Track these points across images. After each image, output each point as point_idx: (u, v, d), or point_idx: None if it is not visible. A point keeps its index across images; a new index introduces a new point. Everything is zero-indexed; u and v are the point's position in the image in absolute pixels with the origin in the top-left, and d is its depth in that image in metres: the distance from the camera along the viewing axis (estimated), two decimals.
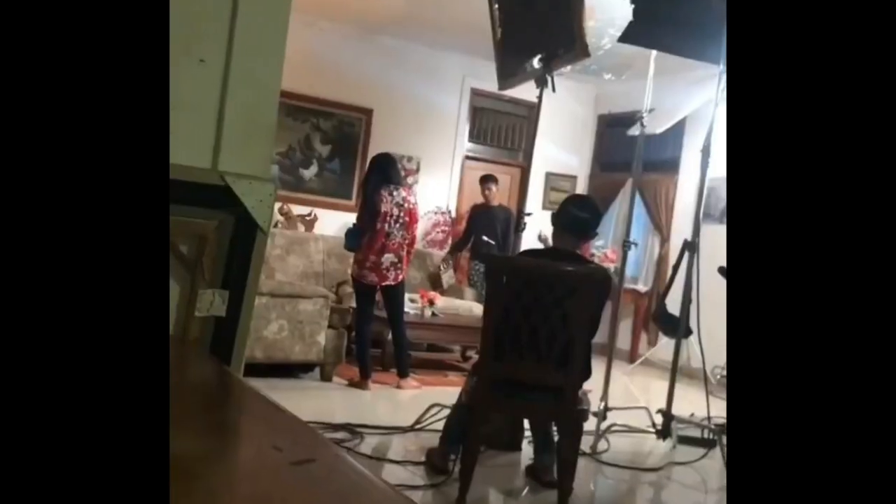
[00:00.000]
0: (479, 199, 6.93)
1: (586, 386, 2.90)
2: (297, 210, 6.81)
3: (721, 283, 4.90)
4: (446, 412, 3.52)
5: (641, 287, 7.42)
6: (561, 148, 7.97)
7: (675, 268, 4.26)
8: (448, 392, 4.23)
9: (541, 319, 2.68)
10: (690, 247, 4.11)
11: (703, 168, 4.08)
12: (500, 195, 6.92)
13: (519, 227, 3.94)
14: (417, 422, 3.93)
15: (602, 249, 7.25)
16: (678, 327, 4.15)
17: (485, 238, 6.37)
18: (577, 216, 3.02)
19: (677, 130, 6.71)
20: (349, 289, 5.64)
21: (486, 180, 6.66)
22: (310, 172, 7.03)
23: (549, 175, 8.04)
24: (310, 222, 6.84)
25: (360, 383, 4.83)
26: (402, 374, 4.96)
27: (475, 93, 7.60)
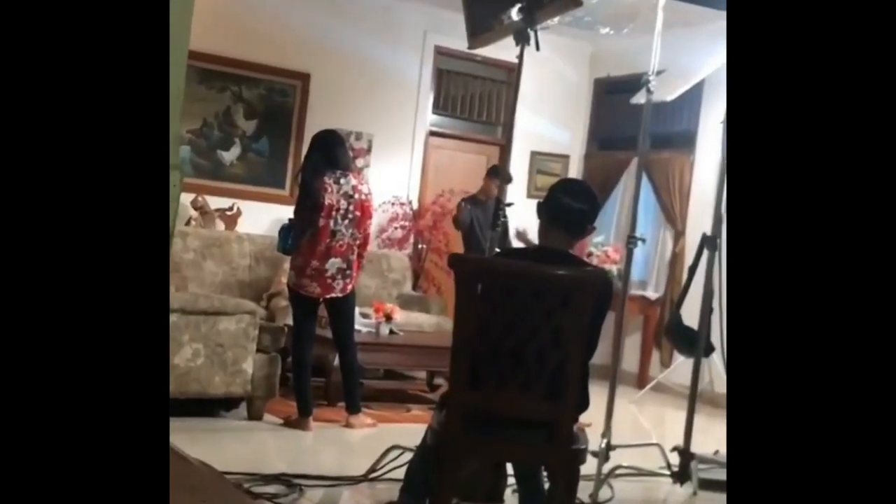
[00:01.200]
0: (445, 186, 6.96)
1: (583, 419, 2.92)
2: (215, 203, 6.76)
3: None
4: (409, 456, 3.51)
5: (651, 293, 7.49)
6: (549, 121, 8.01)
7: (693, 269, 4.31)
8: (411, 430, 4.22)
9: (526, 337, 2.69)
10: (710, 243, 4.15)
11: (724, 144, 4.12)
12: (475, 181, 6.93)
13: (497, 221, 3.95)
14: (372, 469, 3.92)
15: (602, 248, 7.31)
16: (697, 343, 4.19)
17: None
18: (570, 206, 3.04)
19: (693, 97, 6.78)
20: (284, 302, 5.61)
21: (494, 174, 6.37)
22: (231, 155, 6.98)
23: (534, 155, 8.08)
24: (231, 218, 6.80)
25: (298, 422, 4.82)
26: (353, 410, 4.95)
27: (440, 52, 7.60)
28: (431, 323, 6.42)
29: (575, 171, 8.19)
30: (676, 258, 7.31)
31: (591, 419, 3.49)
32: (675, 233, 7.39)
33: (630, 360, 7.20)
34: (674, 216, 7.38)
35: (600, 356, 3.23)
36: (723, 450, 4.47)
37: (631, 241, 4.27)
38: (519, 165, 7.75)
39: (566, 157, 8.23)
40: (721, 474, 4.24)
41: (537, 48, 3.80)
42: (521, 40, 3.81)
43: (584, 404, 2.87)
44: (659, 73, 4.35)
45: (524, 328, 2.69)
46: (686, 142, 7.34)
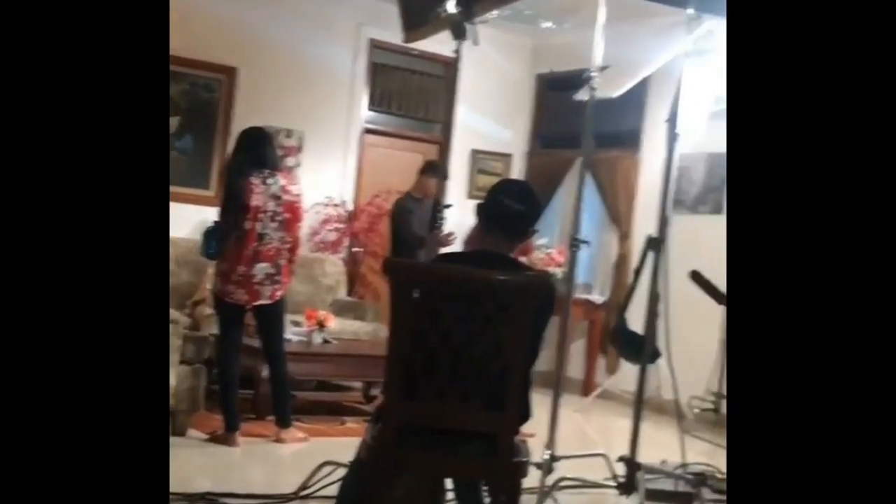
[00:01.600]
0: (381, 186, 6.90)
1: (526, 429, 2.94)
2: None
3: (695, 292, 5.06)
4: (342, 472, 3.50)
5: (596, 297, 7.57)
6: (489, 118, 8.05)
7: (638, 272, 4.36)
8: (345, 444, 4.18)
9: (464, 345, 2.69)
10: (655, 244, 4.21)
11: (669, 142, 4.18)
12: (412, 181, 6.91)
13: (435, 223, 3.96)
14: (304, 487, 3.91)
15: (546, 250, 7.36)
16: (642, 349, 4.24)
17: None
18: (510, 208, 3.05)
19: (638, 94, 6.86)
20: (209, 310, 5.54)
21: (432, 171, 6.35)
22: None
23: (474, 154, 8.11)
24: None
25: (224, 437, 4.78)
26: (283, 424, 4.92)
27: (375, 46, 7.59)
28: (367, 331, 6.40)
29: (517, 171, 8.24)
30: (622, 261, 7.40)
31: (534, 429, 3.51)
32: (620, 234, 7.48)
33: (575, 366, 7.27)
34: (619, 217, 7.47)
35: (544, 363, 3.26)
36: (670, 458, 4.54)
37: (575, 243, 4.31)
38: (459, 165, 7.76)
39: (508, 155, 8.28)
40: (668, 485, 4.30)
41: (476, 42, 3.82)
42: (459, 34, 3.83)
43: (525, 414, 2.88)
44: (602, 68, 4.39)
45: (463, 336, 2.69)
46: (631, 140, 7.44)
